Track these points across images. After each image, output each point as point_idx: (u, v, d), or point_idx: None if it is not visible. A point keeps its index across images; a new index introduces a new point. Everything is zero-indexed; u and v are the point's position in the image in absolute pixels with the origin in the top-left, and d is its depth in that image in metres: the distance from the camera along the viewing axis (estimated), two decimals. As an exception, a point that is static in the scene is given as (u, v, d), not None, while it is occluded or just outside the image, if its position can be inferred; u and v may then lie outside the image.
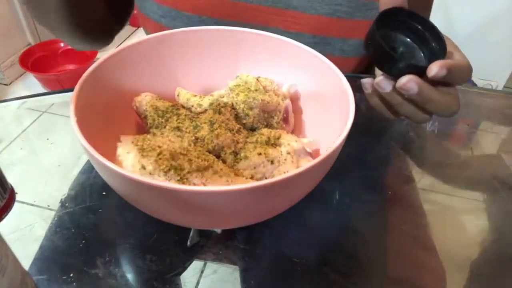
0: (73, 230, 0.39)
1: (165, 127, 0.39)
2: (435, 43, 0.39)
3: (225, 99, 0.42)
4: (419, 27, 0.39)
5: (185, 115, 0.40)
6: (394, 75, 0.38)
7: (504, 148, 0.55)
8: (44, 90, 1.73)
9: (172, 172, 0.33)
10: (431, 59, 0.38)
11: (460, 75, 0.37)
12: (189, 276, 0.37)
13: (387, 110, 0.42)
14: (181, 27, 0.55)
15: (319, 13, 0.53)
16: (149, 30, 0.61)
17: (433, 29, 0.39)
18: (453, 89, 0.39)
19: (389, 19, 0.39)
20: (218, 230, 0.40)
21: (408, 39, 0.40)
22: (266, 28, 0.55)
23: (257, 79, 0.45)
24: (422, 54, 0.40)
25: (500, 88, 1.75)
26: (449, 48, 0.39)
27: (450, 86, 0.38)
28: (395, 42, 0.40)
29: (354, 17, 0.53)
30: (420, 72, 0.36)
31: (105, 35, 0.62)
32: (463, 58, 0.38)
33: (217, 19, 0.55)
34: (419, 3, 0.59)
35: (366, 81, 0.41)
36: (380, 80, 0.39)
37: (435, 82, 0.37)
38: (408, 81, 0.36)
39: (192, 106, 0.43)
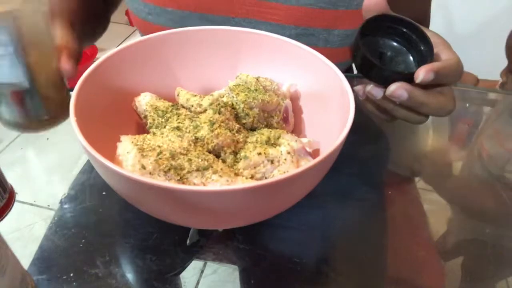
0: (73, 230, 0.39)
1: (165, 127, 0.39)
2: (423, 46, 0.39)
3: (225, 99, 0.42)
4: (405, 30, 0.39)
5: (185, 115, 0.40)
6: (382, 84, 0.38)
7: (504, 148, 0.55)
8: (44, 90, 1.73)
9: (172, 172, 0.33)
10: (420, 61, 0.38)
11: (449, 75, 0.37)
12: (189, 276, 0.37)
13: (383, 115, 0.42)
14: (165, 23, 0.55)
15: (300, 4, 0.53)
16: (139, 28, 0.61)
17: (419, 31, 0.39)
18: (447, 88, 0.39)
19: (374, 26, 0.39)
20: (219, 230, 0.40)
21: (396, 44, 0.40)
22: (246, 19, 0.55)
23: (257, 79, 0.45)
24: (411, 58, 0.40)
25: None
26: (438, 47, 0.39)
27: (442, 86, 0.38)
28: (383, 48, 0.40)
29: (337, 7, 0.53)
30: (409, 77, 0.36)
31: None
32: (451, 57, 0.38)
33: (199, 13, 0.55)
34: (417, 15, 0.59)
35: (358, 89, 0.41)
36: (370, 89, 0.39)
37: (425, 85, 0.37)
38: (396, 89, 0.36)
39: (192, 106, 0.43)
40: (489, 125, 0.59)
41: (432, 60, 0.37)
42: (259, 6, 0.54)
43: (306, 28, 0.54)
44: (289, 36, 0.44)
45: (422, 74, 0.35)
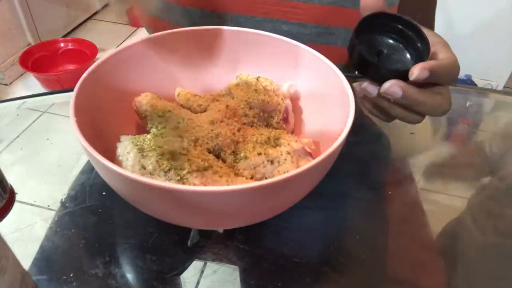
0: (73, 230, 0.39)
1: (165, 127, 0.39)
2: (420, 43, 0.39)
3: (225, 99, 0.42)
4: (402, 28, 0.39)
5: (185, 115, 0.40)
6: (378, 81, 0.38)
7: (504, 148, 0.55)
8: (44, 90, 1.73)
9: (172, 172, 0.33)
10: (417, 59, 0.38)
11: (445, 74, 0.37)
12: (189, 276, 0.37)
13: (380, 114, 0.42)
14: (179, 21, 0.54)
15: (322, 3, 0.52)
16: (149, 27, 0.61)
17: (416, 29, 0.39)
18: (443, 88, 0.38)
19: (371, 24, 0.39)
20: (219, 230, 0.40)
21: (393, 41, 0.40)
22: (267, 18, 0.55)
23: (257, 79, 0.45)
24: (408, 56, 0.40)
25: (500, 88, 1.75)
26: (436, 46, 0.39)
27: (438, 85, 0.38)
28: (380, 45, 0.40)
29: (357, 6, 0.53)
30: (405, 75, 0.36)
31: None
32: (448, 56, 0.38)
33: (219, 11, 0.55)
34: (422, 12, 0.59)
35: (356, 85, 0.41)
36: (366, 85, 0.39)
37: (421, 84, 0.37)
38: (391, 86, 0.36)
39: (192, 106, 0.43)
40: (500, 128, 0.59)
41: (428, 58, 0.37)
42: (281, 6, 0.54)
43: (326, 27, 0.54)
44: (310, 35, 0.43)
45: (416, 71, 0.35)
